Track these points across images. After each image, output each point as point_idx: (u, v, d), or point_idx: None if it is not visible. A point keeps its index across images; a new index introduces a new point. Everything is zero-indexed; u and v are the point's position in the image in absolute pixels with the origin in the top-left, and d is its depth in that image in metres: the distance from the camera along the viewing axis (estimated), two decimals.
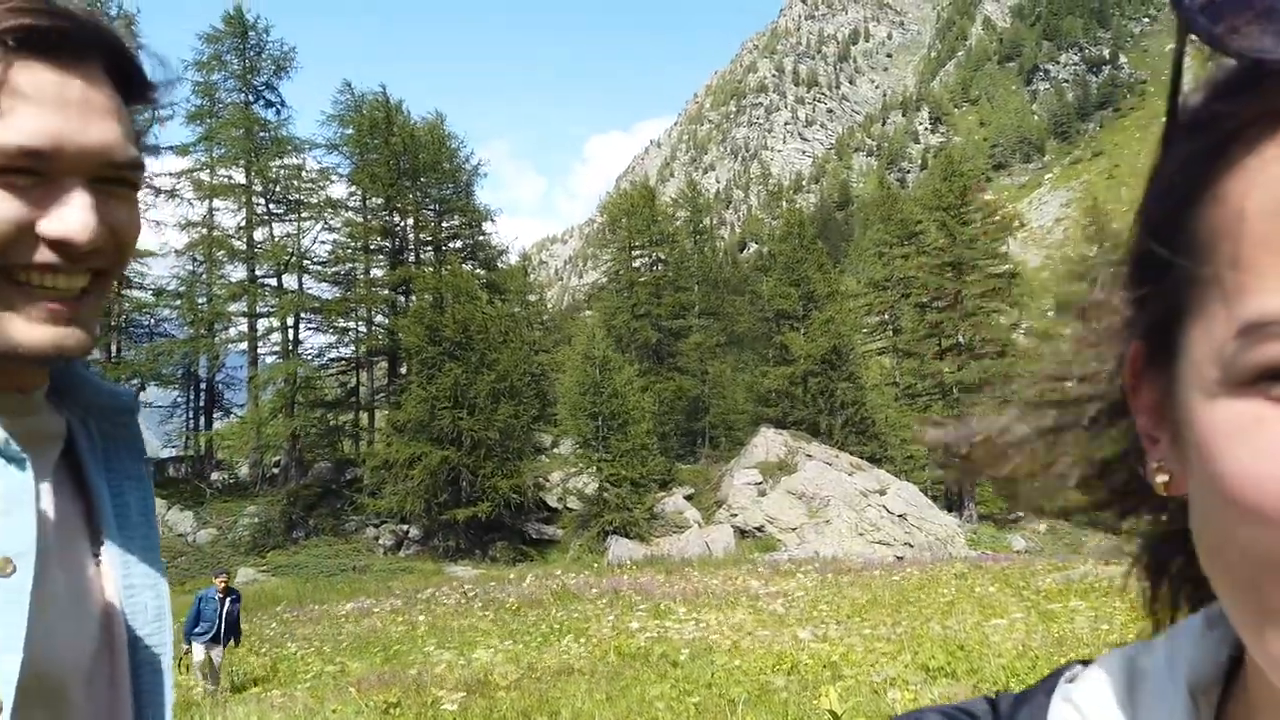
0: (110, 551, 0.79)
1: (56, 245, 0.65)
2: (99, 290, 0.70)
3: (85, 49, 0.67)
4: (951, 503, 37.69)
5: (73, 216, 0.65)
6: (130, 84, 0.71)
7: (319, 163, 36.69)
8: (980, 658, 7.28)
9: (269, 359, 35.04)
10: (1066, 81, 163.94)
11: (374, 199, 36.39)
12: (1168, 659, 0.36)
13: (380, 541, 28.84)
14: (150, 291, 33.91)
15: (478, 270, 38.70)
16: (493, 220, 40.12)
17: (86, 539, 0.78)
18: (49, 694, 0.69)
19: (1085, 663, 0.40)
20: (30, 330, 0.66)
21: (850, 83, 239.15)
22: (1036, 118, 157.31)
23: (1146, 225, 0.32)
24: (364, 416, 36.50)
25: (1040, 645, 7.64)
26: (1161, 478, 0.33)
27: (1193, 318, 0.29)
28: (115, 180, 0.69)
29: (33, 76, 0.64)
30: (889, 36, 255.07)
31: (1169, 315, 0.31)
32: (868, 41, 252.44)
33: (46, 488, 0.73)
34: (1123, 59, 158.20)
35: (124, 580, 0.79)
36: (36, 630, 0.65)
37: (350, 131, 36.14)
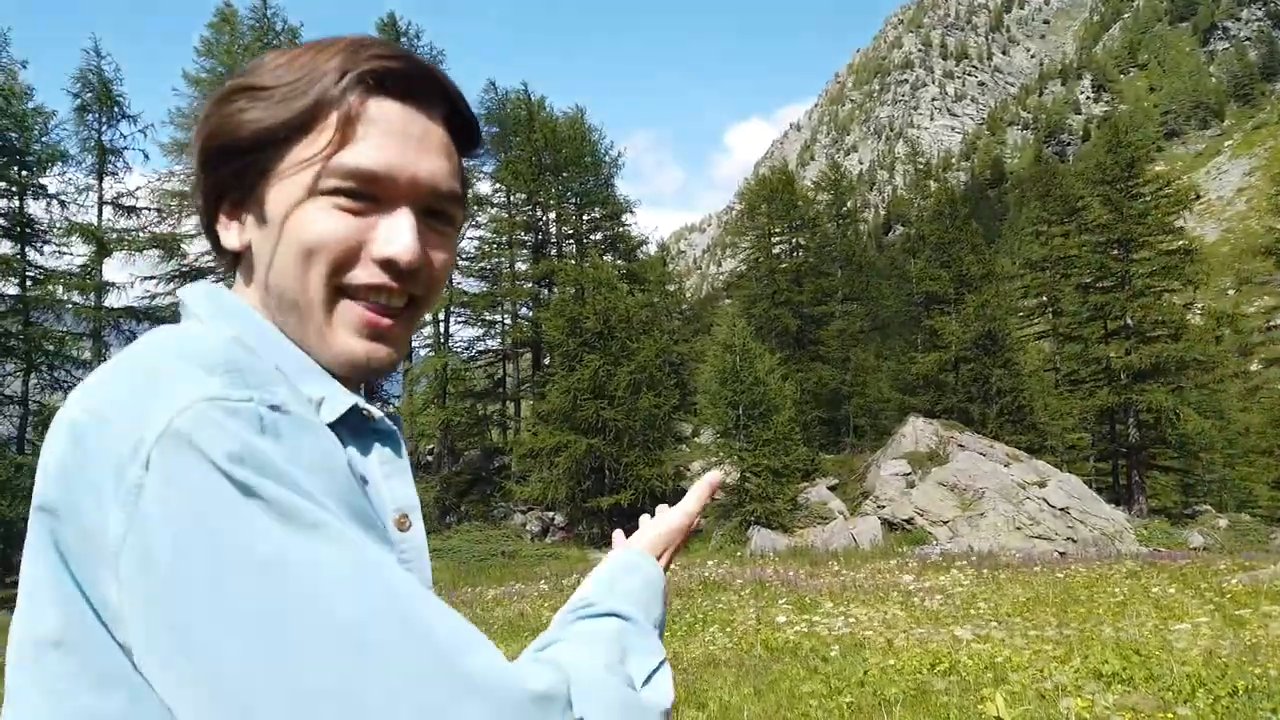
0: None
1: (384, 264, 0.72)
2: (411, 314, 0.77)
3: (430, 95, 0.76)
4: (1119, 496, 35.31)
5: (400, 239, 0.72)
6: (462, 133, 0.81)
7: (466, 160, 37.95)
8: (1160, 664, 6.70)
9: (421, 351, 36.66)
10: (1249, 39, 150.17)
11: (517, 194, 37.36)
12: None
13: (528, 527, 29.68)
14: None
15: (617, 261, 39.11)
16: (632, 212, 40.44)
17: None
18: None
19: None
20: (349, 341, 0.73)
21: (1003, 53, 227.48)
22: (1214, 80, 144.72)
23: None
24: (510, 406, 37.64)
25: (1230, 653, 6.95)
26: None
27: None
28: (438, 214, 0.77)
29: (383, 110, 0.72)
30: (1046, 2, 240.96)
31: None
32: (1023, 8, 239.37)
33: None
34: None
35: None
36: None
37: (495, 130, 37.20)
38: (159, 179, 31.58)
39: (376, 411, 0.73)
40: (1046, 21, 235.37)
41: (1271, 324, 52.13)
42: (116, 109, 29.62)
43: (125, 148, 30.34)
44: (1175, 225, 38.58)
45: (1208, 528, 32.41)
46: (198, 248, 31.20)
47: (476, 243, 37.71)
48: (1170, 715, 5.00)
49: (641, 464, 27.96)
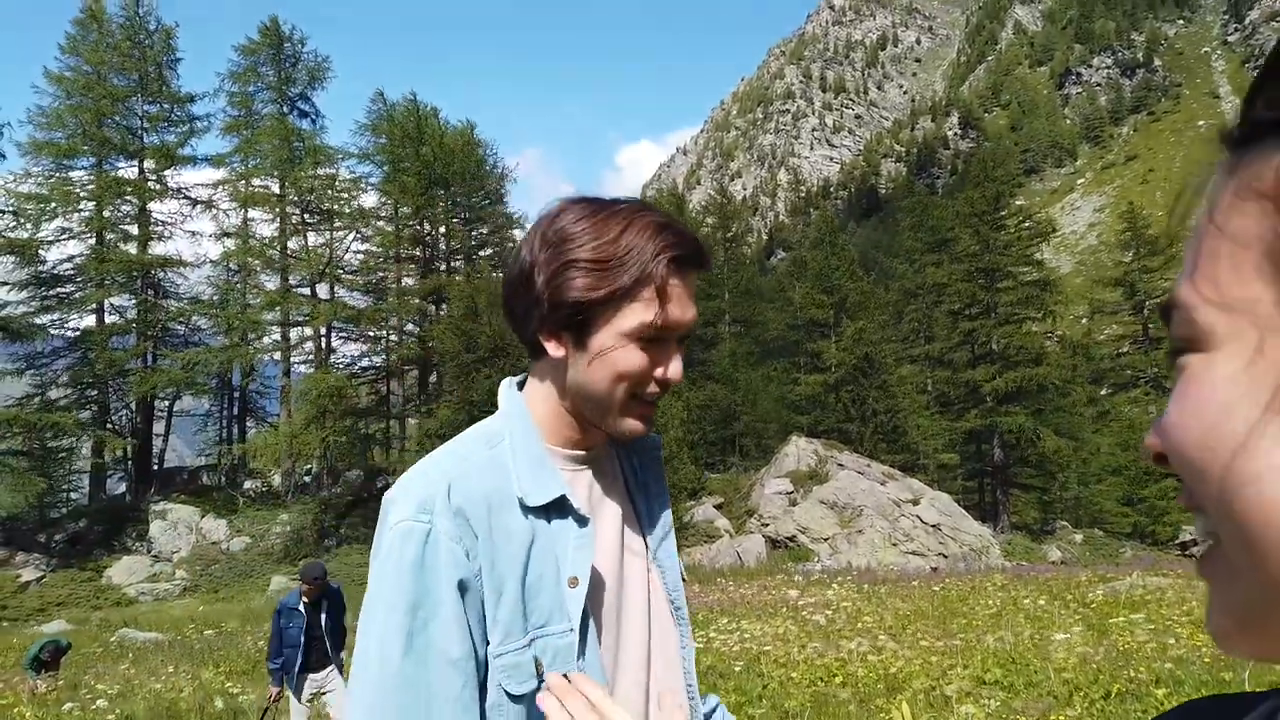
0: (656, 557, 1.21)
1: (663, 384, 1.08)
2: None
3: (701, 262, 1.09)
4: (986, 513, 37.14)
5: (676, 368, 1.08)
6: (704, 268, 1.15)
7: (351, 172, 36.83)
8: (1039, 672, 7.08)
9: (302, 368, 35.31)
10: (1099, 85, 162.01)
11: (404, 208, 36.58)
12: None
13: None
14: (186, 300, 34.22)
15: None
16: (522, 227, 40.22)
17: (644, 547, 1.20)
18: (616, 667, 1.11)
19: None
20: (632, 424, 1.09)
21: (879, 88, 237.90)
22: (1069, 122, 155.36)
23: None
24: (395, 425, 36.67)
25: (1103, 660, 7.42)
26: None
27: None
28: (682, 338, 1.11)
29: (678, 280, 1.07)
30: (918, 41, 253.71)
31: None
32: (896, 46, 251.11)
33: (614, 513, 1.17)
34: (1156, 62, 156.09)
35: (667, 580, 1.21)
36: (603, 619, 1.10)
37: (383, 141, 36.37)
38: (14, 180, 29.52)
39: (577, 503, 1.08)
40: (918, 60, 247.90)
41: (1120, 351, 56.04)
42: None
43: None
44: (1035, 257, 41.11)
45: (1065, 542, 34.48)
46: (56, 254, 29.23)
47: (361, 256, 36.71)
48: (1060, 717, 5.30)
49: None
